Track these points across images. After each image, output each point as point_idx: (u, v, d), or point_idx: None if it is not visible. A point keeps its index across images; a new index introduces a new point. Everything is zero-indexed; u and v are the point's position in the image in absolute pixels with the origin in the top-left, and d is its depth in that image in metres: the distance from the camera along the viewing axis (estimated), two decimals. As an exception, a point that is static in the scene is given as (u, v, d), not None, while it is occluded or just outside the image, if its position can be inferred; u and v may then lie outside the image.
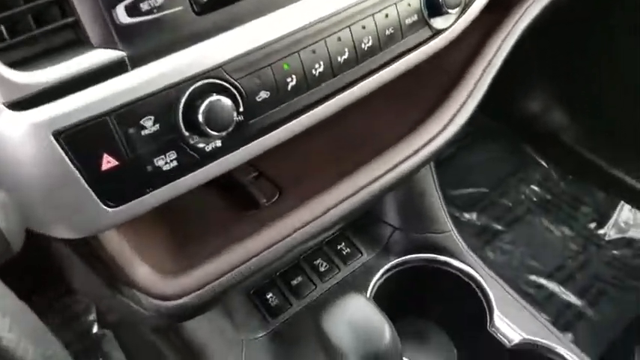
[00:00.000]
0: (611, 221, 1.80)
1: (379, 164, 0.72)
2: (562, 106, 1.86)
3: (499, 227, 1.78)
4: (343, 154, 0.75)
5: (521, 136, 1.97)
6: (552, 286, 1.66)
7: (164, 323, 0.67)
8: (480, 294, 0.92)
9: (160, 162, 0.49)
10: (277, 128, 0.56)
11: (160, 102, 0.47)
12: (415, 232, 0.97)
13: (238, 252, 0.66)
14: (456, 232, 0.98)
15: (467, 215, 1.86)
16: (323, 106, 0.59)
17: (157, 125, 0.47)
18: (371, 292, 0.91)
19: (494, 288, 0.92)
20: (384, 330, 0.62)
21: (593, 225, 1.77)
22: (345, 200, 0.69)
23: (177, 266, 0.64)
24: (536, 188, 1.88)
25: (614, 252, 1.71)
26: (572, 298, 1.64)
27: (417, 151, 0.73)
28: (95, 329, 1.38)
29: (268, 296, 0.90)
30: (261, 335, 0.85)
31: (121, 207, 0.49)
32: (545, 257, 1.72)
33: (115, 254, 0.58)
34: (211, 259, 0.65)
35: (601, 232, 1.77)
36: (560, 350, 0.83)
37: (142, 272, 0.61)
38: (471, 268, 0.93)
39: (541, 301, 1.60)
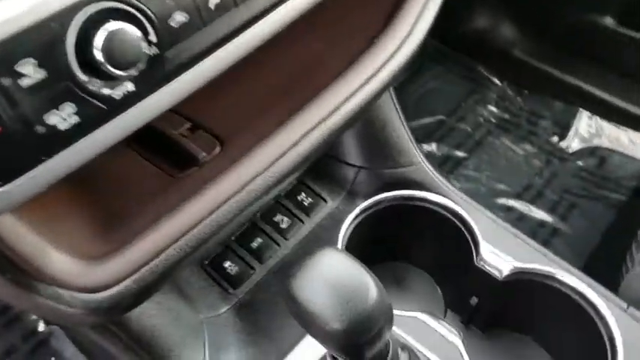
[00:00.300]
0: (572, 132, 1.77)
1: (332, 97, 0.60)
2: (510, 21, 1.80)
3: (461, 154, 1.72)
4: (291, 90, 0.63)
5: (472, 57, 1.89)
6: (522, 206, 1.62)
7: (100, 320, 0.55)
8: (462, 227, 0.83)
9: (52, 119, 0.37)
10: (202, 60, 0.44)
11: (41, 37, 0.35)
12: (382, 168, 0.86)
13: (178, 221, 0.54)
14: (426, 162, 0.87)
15: (426, 147, 1.78)
16: (256, 27, 0.47)
17: (42, 70, 0.35)
18: (342, 242, 0.80)
19: (477, 218, 0.82)
20: (369, 286, 0.51)
21: (554, 139, 1.73)
22: (298, 144, 0.58)
23: (104, 249, 0.51)
24: (493, 108, 1.82)
25: (579, 163, 1.68)
26: (544, 216, 1.59)
27: (371, 77, 0.61)
28: (41, 327, 1.25)
29: (226, 265, 0.78)
30: (223, 311, 0.74)
31: (8, 186, 0.37)
32: (512, 178, 1.68)
33: (15, 244, 0.45)
34: (145, 235, 0.53)
35: (563, 144, 1.73)
36: (560, 275, 0.75)
37: (58, 261, 0.48)
38: (450, 200, 0.83)
39: (513, 223, 1.55)
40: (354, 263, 0.53)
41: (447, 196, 0.84)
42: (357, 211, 0.83)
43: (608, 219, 1.51)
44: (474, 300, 0.83)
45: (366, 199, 0.85)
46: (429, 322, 0.73)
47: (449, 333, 0.73)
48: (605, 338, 0.72)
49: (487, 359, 0.84)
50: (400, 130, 0.85)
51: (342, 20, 0.66)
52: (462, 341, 0.72)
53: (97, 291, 0.50)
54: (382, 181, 0.86)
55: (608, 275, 1.01)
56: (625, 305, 0.74)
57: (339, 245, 0.80)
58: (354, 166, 0.86)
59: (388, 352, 0.58)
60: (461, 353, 0.71)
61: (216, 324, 0.71)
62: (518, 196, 1.62)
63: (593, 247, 1.45)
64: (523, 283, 0.78)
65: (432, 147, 1.76)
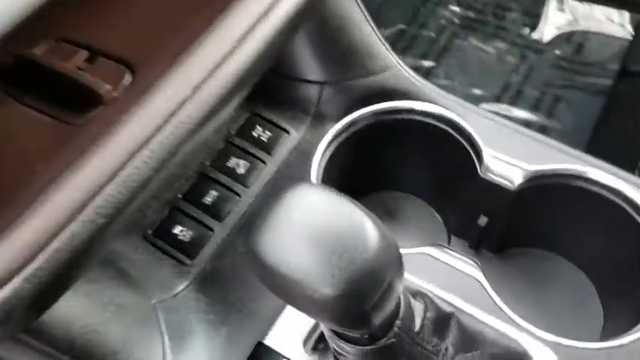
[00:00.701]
0: (543, 20, 1.63)
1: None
2: None
3: (428, 64, 1.56)
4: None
5: (423, -47, 1.71)
6: (503, 109, 1.49)
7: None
8: (458, 135, 0.68)
9: None
10: None
11: None
12: (350, 79, 0.69)
13: (82, 180, 0.37)
14: (403, 65, 0.71)
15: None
16: None
17: None
18: (317, 178, 0.65)
19: (474, 121, 0.67)
20: (366, 227, 0.36)
21: (526, 30, 1.59)
22: (230, 56, 0.41)
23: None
24: (455, 8, 1.65)
25: (556, 52, 1.54)
26: (528, 115, 1.47)
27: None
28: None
29: (176, 231, 0.61)
30: (181, 289, 0.58)
31: None
32: (487, 80, 1.54)
33: None
34: (35, 208, 0.36)
35: (536, 35, 1.59)
36: (591, 173, 0.61)
37: None
38: (440, 105, 0.68)
39: (497, 129, 1.43)
40: (339, 198, 0.38)
41: (436, 102, 0.68)
42: (328, 137, 0.67)
43: (596, 106, 1.39)
44: (482, 220, 0.69)
45: (337, 121, 0.69)
46: (440, 256, 0.59)
47: (465, 265, 0.59)
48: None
49: (510, 285, 0.71)
50: (365, 29, 0.68)
51: None
52: (482, 273, 0.59)
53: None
54: (353, 95, 0.70)
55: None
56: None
57: (314, 180, 0.65)
58: (315, 82, 0.69)
59: (399, 309, 0.44)
60: (484, 287, 0.57)
61: (174, 307, 0.55)
62: (497, 99, 1.49)
63: (586, 139, 1.34)
64: (542, 189, 0.64)
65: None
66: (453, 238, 0.75)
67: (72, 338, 0.46)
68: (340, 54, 0.67)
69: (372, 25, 0.69)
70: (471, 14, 1.64)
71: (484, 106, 1.47)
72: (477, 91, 1.50)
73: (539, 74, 1.51)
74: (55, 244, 0.35)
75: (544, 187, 0.64)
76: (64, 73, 0.44)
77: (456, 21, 1.63)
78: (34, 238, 0.35)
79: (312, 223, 0.36)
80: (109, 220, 0.38)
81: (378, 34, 0.70)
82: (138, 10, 0.46)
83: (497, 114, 1.57)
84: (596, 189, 0.62)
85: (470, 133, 0.67)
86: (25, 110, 0.43)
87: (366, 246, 0.35)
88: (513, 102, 1.47)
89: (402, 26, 1.62)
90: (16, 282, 0.34)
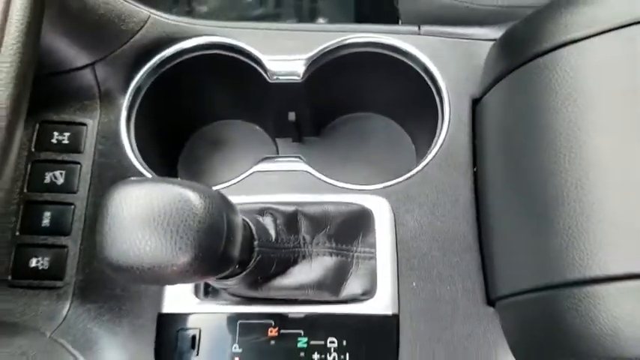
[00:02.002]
0: None
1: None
2: None
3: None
4: None
5: None
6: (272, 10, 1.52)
7: None
8: (238, 55, 0.72)
9: None
10: None
11: None
12: (116, 48, 0.69)
13: None
14: (157, 12, 0.72)
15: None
16: None
17: None
18: (133, 151, 0.67)
19: (245, 37, 0.72)
20: (188, 197, 0.41)
21: None
22: None
23: None
24: None
25: None
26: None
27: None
28: None
29: (34, 264, 0.62)
30: (68, 309, 0.61)
31: None
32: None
33: None
34: None
35: None
36: (349, 39, 0.69)
37: None
38: (204, 35, 0.71)
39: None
40: (155, 183, 0.42)
41: (203, 33, 0.72)
42: (124, 113, 0.69)
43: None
44: (291, 115, 0.77)
45: (126, 91, 0.70)
46: (267, 167, 0.67)
47: (291, 164, 0.67)
48: (420, 70, 0.70)
49: (338, 156, 0.81)
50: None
51: None
52: (307, 162, 0.67)
53: None
54: (127, 61, 0.70)
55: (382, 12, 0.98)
56: (416, 28, 0.72)
57: (131, 156, 0.67)
58: (85, 67, 0.68)
59: (252, 233, 0.51)
60: (312, 174, 0.66)
61: (70, 328, 0.59)
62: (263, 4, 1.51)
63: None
64: (324, 68, 0.72)
65: None
66: (278, 140, 0.83)
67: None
68: (94, 32, 0.67)
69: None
70: None
71: (255, 12, 1.49)
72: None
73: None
74: None
75: (325, 66, 0.72)
76: None
77: None
78: None
79: (142, 214, 0.40)
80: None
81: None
82: None
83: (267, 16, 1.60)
84: (363, 49, 0.72)
85: (245, 49, 0.72)
86: None
87: (195, 210, 0.41)
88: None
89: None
90: None
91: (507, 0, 0.77)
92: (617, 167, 0.47)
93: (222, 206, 0.43)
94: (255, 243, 0.52)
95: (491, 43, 0.66)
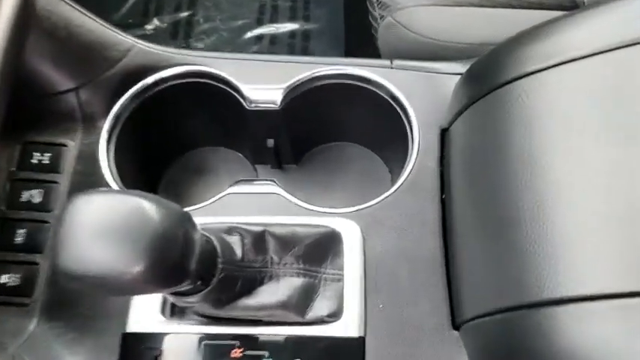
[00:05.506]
0: None
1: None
2: None
3: (186, 14, 1.59)
4: None
5: None
6: (268, 29, 1.58)
7: None
8: (217, 84, 0.75)
9: None
10: None
11: None
12: (100, 74, 0.72)
13: None
14: (142, 41, 0.75)
15: (149, 27, 1.62)
16: None
17: None
18: (111, 174, 0.69)
19: (225, 66, 0.75)
20: (145, 208, 0.43)
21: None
22: None
23: None
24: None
25: (291, -40, 1.63)
26: (291, 26, 1.58)
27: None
28: None
29: (4, 280, 0.63)
30: (34, 326, 0.61)
31: None
32: (244, 9, 1.61)
33: None
34: None
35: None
36: (323, 71, 0.72)
37: None
38: (187, 65, 0.74)
39: (269, 49, 1.52)
40: (115, 194, 0.44)
41: (186, 62, 0.75)
42: (104, 135, 0.71)
43: (341, 2, 1.52)
44: (270, 142, 0.79)
45: (106, 118, 0.73)
46: (241, 189, 0.68)
47: (264, 187, 0.69)
48: (391, 101, 0.73)
49: (314, 182, 0.83)
50: (91, 26, 0.70)
51: None
52: (280, 186, 0.69)
53: None
54: (110, 87, 0.73)
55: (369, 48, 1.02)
56: (389, 62, 0.75)
57: (109, 178, 0.69)
58: (68, 91, 0.71)
59: (216, 250, 0.52)
60: (284, 196, 0.68)
61: (34, 345, 0.59)
62: (259, 23, 1.57)
63: (342, 28, 1.47)
64: (301, 98, 0.75)
65: (155, 23, 1.60)
66: (257, 167, 0.85)
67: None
68: (79, 58, 0.70)
69: (98, 19, 0.72)
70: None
71: (249, 34, 1.54)
72: (239, 22, 1.57)
73: (285, -14, 1.60)
74: None
75: (302, 96, 0.75)
76: None
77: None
78: None
79: (97, 222, 0.42)
80: None
81: (106, 25, 0.73)
82: None
83: (265, 35, 1.67)
84: (337, 81, 0.74)
85: (225, 78, 0.75)
86: None
87: (149, 219, 0.42)
88: (274, 19, 1.57)
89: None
90: None
91: (476, 38, 0.80)
92: (573, 189, 0.49)
93: (179, 218, 0.45)
94: (219, 260, 0.53)
95: (458, 77, 0.69)
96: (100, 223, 0.42)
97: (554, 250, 0.48)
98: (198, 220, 0.49)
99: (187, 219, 0.46)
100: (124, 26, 1.53)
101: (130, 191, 0.44)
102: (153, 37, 1.52)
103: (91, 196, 0.43)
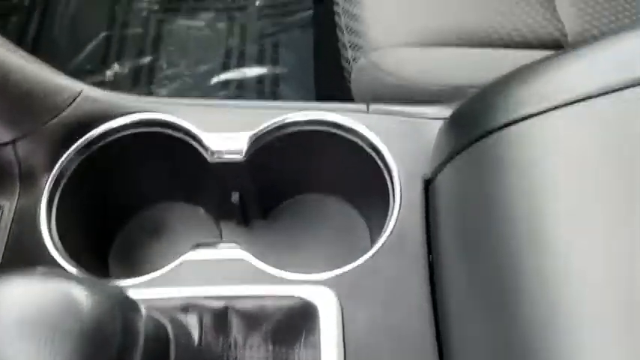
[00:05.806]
0: None
1: None
2: None
3: (148, 59, 1.53)
4: None
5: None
6: (234, 74, 1.53)
7: None
8: (174, 133, 0.68)
9: None
10: None
11: None
12: (41, 125, 0.64)
13: None
14: (90, 86, 0.67)
15: (109, 73, 1.55)
16: None
17: None
18: (51, 237, 0.60)
19: (183, 113, 0.68)
20: (73, 297, 0.35)
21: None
22: None
23: None
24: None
25: (257, 3, 1.60)
26: (258, 70, 1.53)
27: None
28: None
29: None
30: None
31: None
32: (209, 53, 1.56)
33: None
34: None
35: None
36: (290, 119, 0.65)
37: None
38: (142, 111, 0.67)
39: (238, 94, 1.46)
40: (42, 280, 0.36)
41: (140, 109, 0.67)
42: (46, 195, 0.63)
43: (309, 39, 1.48)
44: (235, 197, 0.71)
45: (49, 174, 0.64)
46: (198, 256, 0.60)
47: (226, 251, 0.60)
48: (368, 149, 0.66)
49: (284, 240, 0.75)
50: (33, 72, 0.63)
51: None
52: (245, 249, 0.61)
53: None
54: (55, 138, 0.65)
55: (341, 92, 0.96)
56: (364, 106, 0.68)
57: (49, 244, 0.60)
58: (4, 145, 0.62)
59: (168, 338, 0.44)
60: (250, 262, 0.59)
61: None
62: (225, 68, 1.52)
63: (311, 72, 1.42)
64: (268, 147, 0.68)
65: (115, 69, 1.53)
66: (222, 224, 0.76)
67: None
68: (15, 106, 0.62)
69: (39, 62, 0.64)
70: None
71: (215, 79, 1.49)
72: (204, 67, 1.51)
73: (252, 29, 1.56)
74: None
75: (269, 145, 0.68)
76: None
77: (156, 7, 1.60)
78: None
79: (16, 318, 0.33)
80: None
81: (50, 69, 0.65)
82: None
83: (232, 81, 1.61)
84: (308, 127, 0.67)
85: (182, 126, 0.67)
86: None
87: (78, 312, 0.34)
88: (241, 64, 1.51)
89: (105, 33, 1.55)
90: None
91: (458, 79, 0.75)
92: (578, 254, 0.42)
93: (117, 306, 0.36)
94: (172, 347, 0.44)
95: (441, 121, 0.63)
96: (20, 320, 0.33)
97: (559, 320, 0.41)
98: (151, 293, 0.41)
99: (128, 306, 0.38)
100: (83, 72, 1.46)
101: (58, 274, 0.36)
102: (113, 84, 1.45)
103: (10, 283, 0.35)
